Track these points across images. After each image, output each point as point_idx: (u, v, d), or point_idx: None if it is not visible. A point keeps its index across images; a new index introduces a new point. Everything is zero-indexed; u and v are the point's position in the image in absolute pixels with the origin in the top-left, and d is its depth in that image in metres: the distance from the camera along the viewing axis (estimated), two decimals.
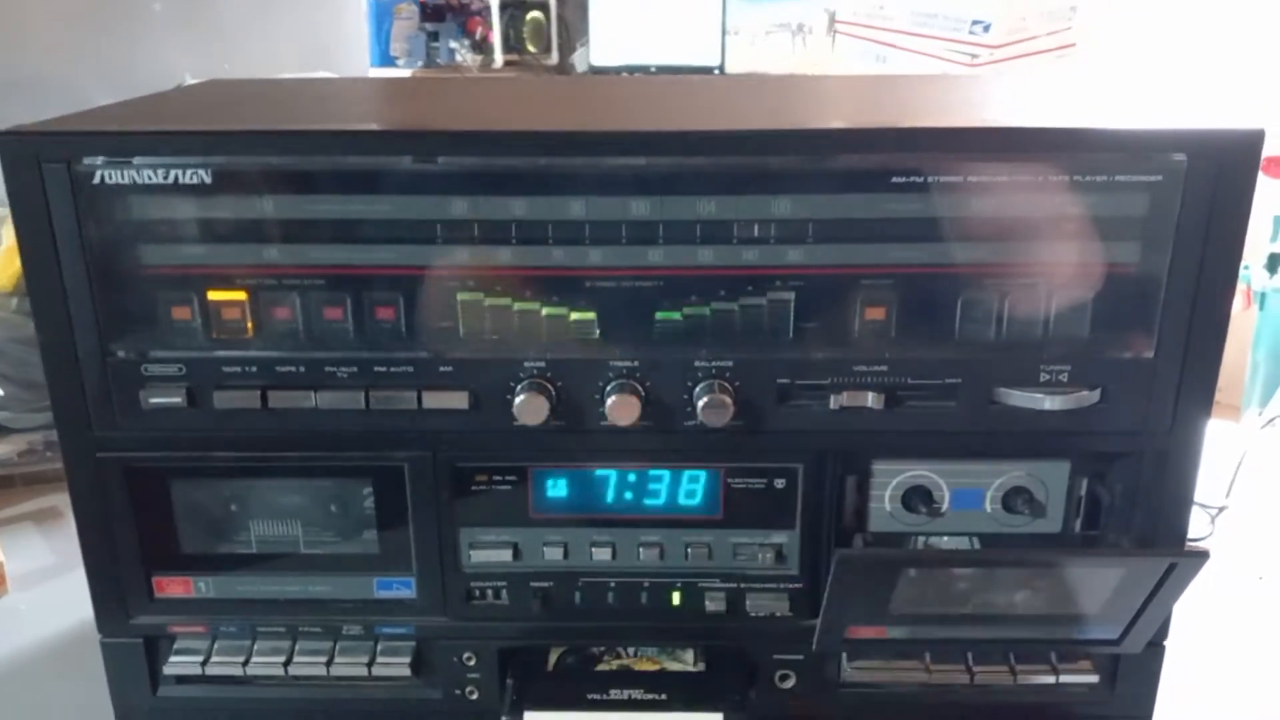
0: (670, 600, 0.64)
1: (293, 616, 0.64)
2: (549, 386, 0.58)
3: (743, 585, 0.63)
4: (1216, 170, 0.54)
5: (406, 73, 3.44)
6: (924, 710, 0.66)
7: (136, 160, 0.55)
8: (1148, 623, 0.59)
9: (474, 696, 0.66)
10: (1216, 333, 0.57)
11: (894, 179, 0.55)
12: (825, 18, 2.75)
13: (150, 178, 0.55)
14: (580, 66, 3.42)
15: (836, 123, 0.59)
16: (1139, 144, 0.54)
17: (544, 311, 0.58)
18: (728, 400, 0.57)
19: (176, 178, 0.55)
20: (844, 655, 0.65)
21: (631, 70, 3.19)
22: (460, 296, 0.57)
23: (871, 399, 0.58)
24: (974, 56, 2.42)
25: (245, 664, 0.64)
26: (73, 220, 0.55)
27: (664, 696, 0.62)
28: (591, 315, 0.58)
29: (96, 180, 0.55)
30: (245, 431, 0.59)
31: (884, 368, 0.58)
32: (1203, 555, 0.55)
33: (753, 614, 0.64)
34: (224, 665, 0.64)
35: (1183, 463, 0.60)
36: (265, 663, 0.64)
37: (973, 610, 0.59)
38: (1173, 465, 0.60)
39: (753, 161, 0.55)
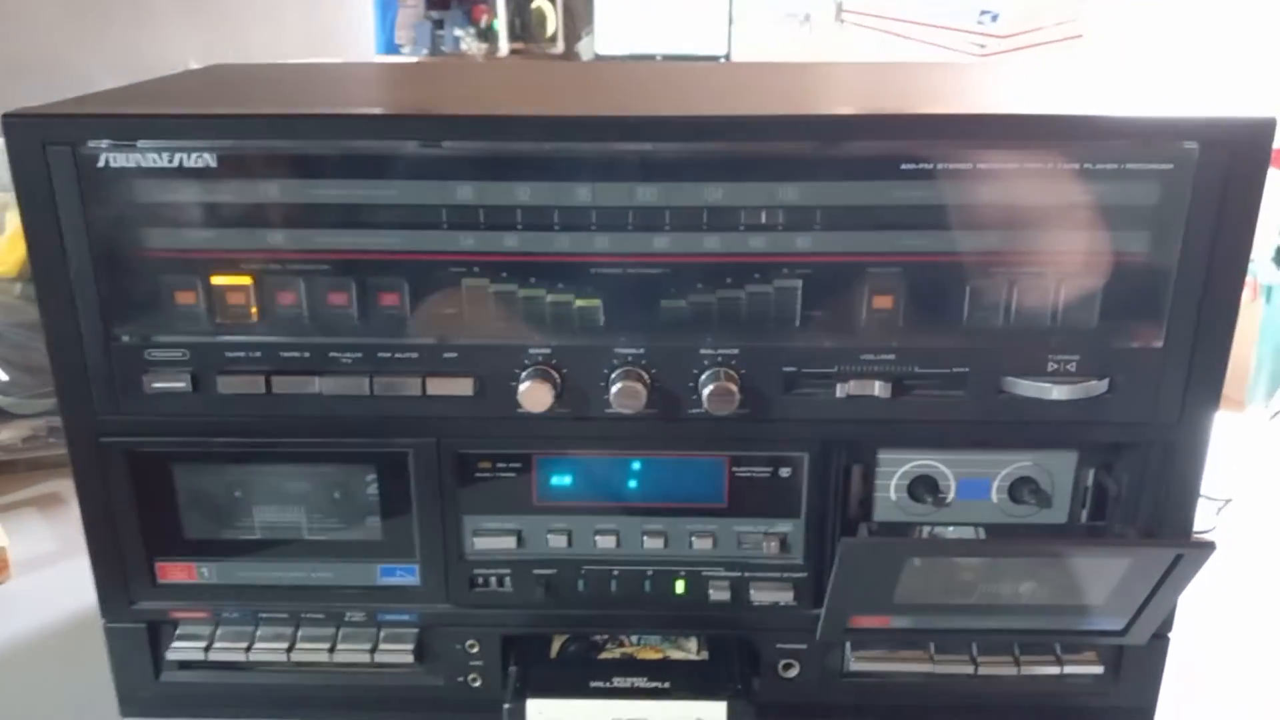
0: (674, 589, 0.64)
1: (296, 603, 0.64)
2: (554, 373, 0.58)
3: (747, 574, 0.63)
4: (1227, 159, 0.53)
5: (411, 60, 3.43)
6: (928, 701, 0.66)
7: (141, 144, 0.54)
8: (1153, 614, 0.59)
9: (476, 684, 0.66)
10: (1226, 323, 0.56)
11: (902, 166, 0.54)
12: (832, 6, 2.74)
13: (155, 161, 0.55)
14: (585, 55, 3.41)
15: (844, 109, 0.59)
16: (1149, 132, 0.54)
17: (549, 298, 0.57)
18: (733, 388, 0.57)
19: (181, 161, 0.55)
20: (848, 645, 0.64)
21: (637, 59, 3.18)
22: (465, 282, 0.57)
23: (878, 388, 0.58)
24: (982, 46, 2.41)
25: (248, 650, 0.64)
26: (77, 203, 0.55)
27: (667, 685, 0.62)
28: (597, 302, 0.57)
29: (101, 163, 0.55)
30: (249, 417, 0.59)
31: (891, 356, 0.58)
32: (1208, 546, 0.55)
33: (757, 603, 0.63)
34: (227, 651, 0.64)
35: (1190, 454, 0.59)
36: (268, 649, 0.64)
37: (977, 600, 0.59)
38: (1180, 456, 0.59)
39: (760, 148, 0.55)
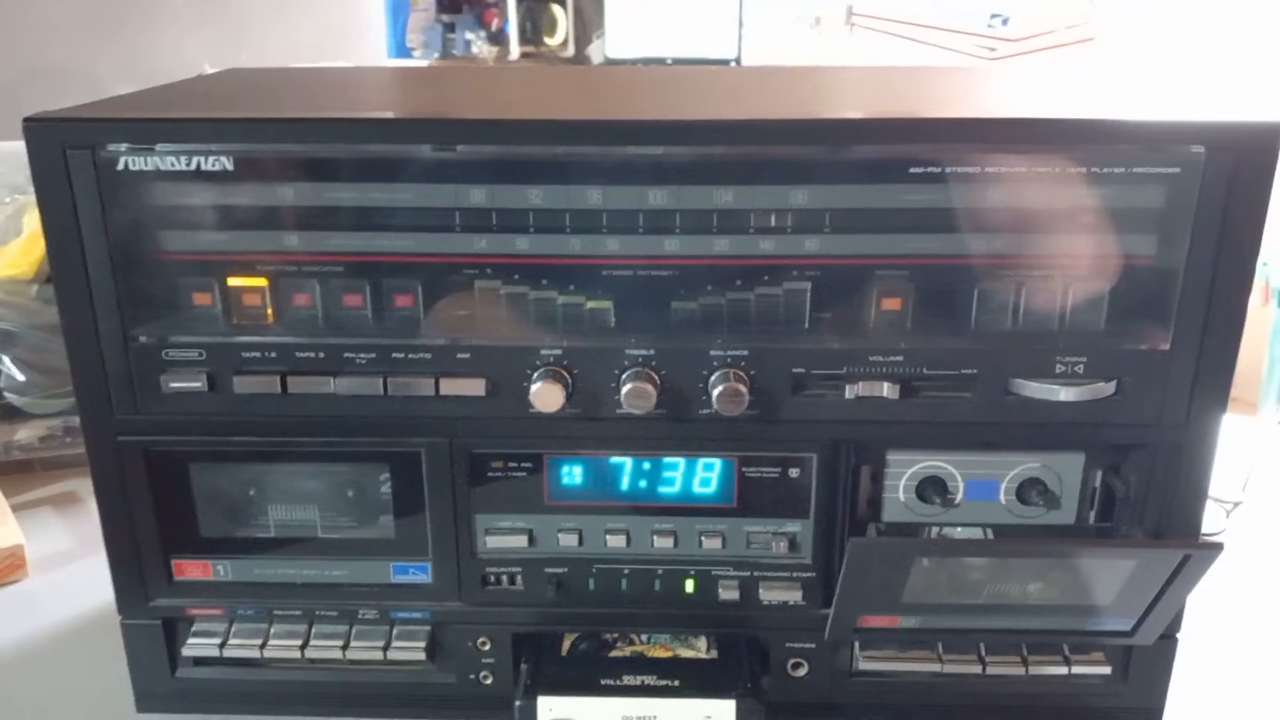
0: (684, 588, 0.64)
1: (309, 600, 0.65)
2: (565, 374, 0.58)
3: (756, 574, 0.64)
4: (1234, 162, 0.54)
5: (423, 64, 3.45)
6: (936, 700, 0.66)
7: (160, 147, 0.55)
8: (1161, 615, 0.59)
9: (488, 681, 0.66)
10: (1233, 326, 0.57)
11: (911, 169, 0.55)
12: (842, 10, 2.74)
13: (173, 164, 0.56)
14: (596, 59, 3.42)
15: (854, 113, 0.59)
16: (1156, 135, 0.54)
17: (560, 300, 0.58)
18: (743, 389, 0.58)
19: (199, 164, 0.56)
20: (856, 645, 0.65)
21: (647, 63, 3.19)
22: (478, 284, 0.58)
23: (887, 389, 0.58)
24: (993, 50, 2.41)
25: (262, 647, 0.64)
26: (96, 206, 0.56)
27: (677, 683, 0.62)
28: (608, 304, 0.58)
29: (120, 166, 0.55)
30: (264, 416, 0.60)
31: (900, 358, 0.58)
32: (1216, 548, 0.55)
33: (766, 602, 0.64)
34: (241, 648, 0.65)
35: (1198, 456, 0.60)
36: (282, 646, 0.64)
37: (985, 601, 0.59)
38: (1187, 458, 0.60)
39: (770, 151, 0.56)
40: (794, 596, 0.64)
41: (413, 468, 0.62)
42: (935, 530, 0.63)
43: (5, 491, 0.94)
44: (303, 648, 0.64)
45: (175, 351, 0.59)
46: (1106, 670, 0.64)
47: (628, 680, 0.62)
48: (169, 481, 0.62)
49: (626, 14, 3.29)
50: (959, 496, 0.62)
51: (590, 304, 0.58)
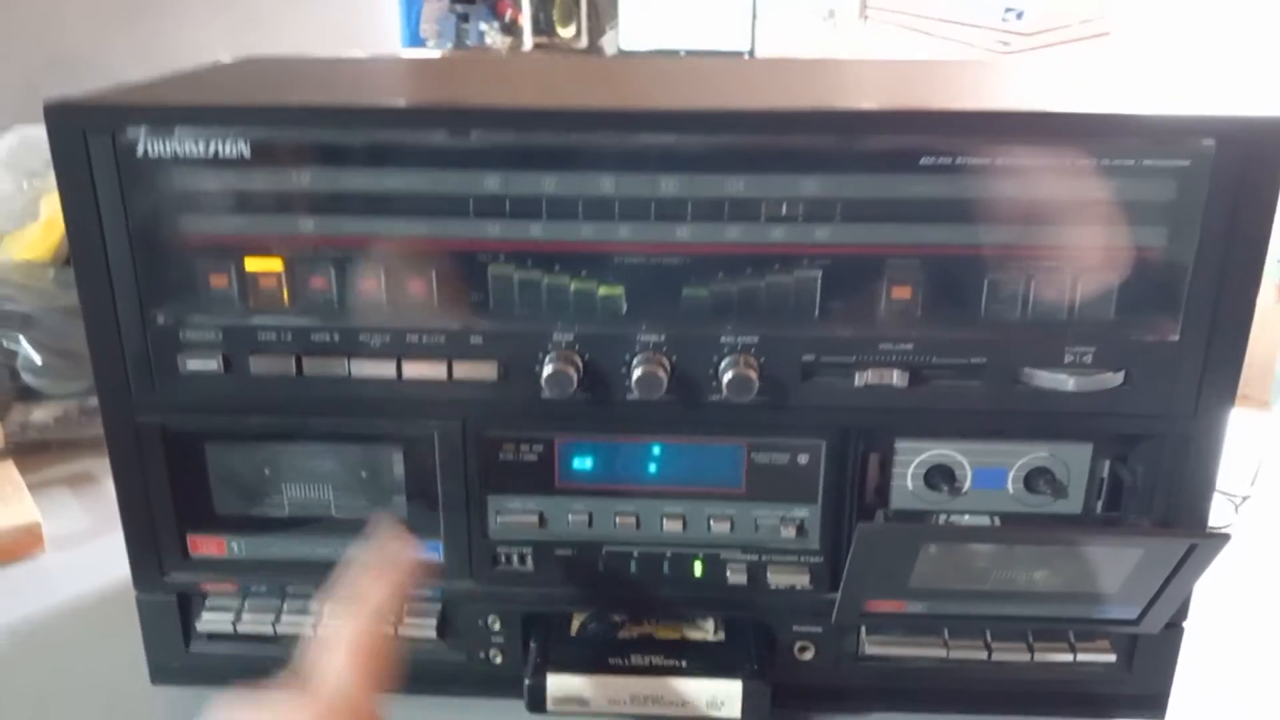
0: (692, 571, 0.65)
1: (321, 578, 0.66)
2: (576, 359, 0.59)
3: (764, 558, 0.64)
4: (1245, 156, 0.54)
5: (436, 54, 3.45)
6: (941, 685, 0.67)
7: (179, 132, 0.56)
8: (1167, 604, 0.60)
9: (497, 660, 0.67)
10: (1241, 318, 0.57)
11: (922, 160, 0.55)
12: (857, 3, 2.73)
13: (192, 149, 0.56)
14: (609, 50, 3.42)
15: (866, 104, 0.60)
16: (1166, 129, 0.54)
17: (573, 286, 0.58)
18: (753, 375, 0.58)
19: (217, 150, 0.56)
20: (863, 629, 0.65)
21: (661, 54, 3.19)
22: (491, 269, 0.58)
23: (896, 377, 0.59)
24: (1007, 44, 2.41)
25: (275, 623, 0.65)
26: (116, 190, 0.57)
27: (684, 664, 0.63)
28: (619, 290, 0.58)
29: (140, 151, 0.56)
30: (279, 397, 0.61)
31: (909, 346, 0.59)
32: (1223, 537, 0.56)
33: (773, 586, 0.64)
34: (254, 624, 0.66)
35: (1205, 448, 0.60)
36: (294, 622, 0.65)
37: (992, 587, 0.60)
38: (1195, 450, 0.60)
39: (782, 141, 0.56)
40: (801, 581, 0.64)
41: (426, 449, 0.63)
42: (943, 518, 0.64)
43: (22, 471, 0.95)
44: (315, 625, 0.65)
45: (192, 333, 0.60)
46: (1112, 658, 0.65)
47: (635, 660, 0.63)
48: (185, 460, 0.63)
49: (640, 5, 3.29)
50: (967, 485, 0.63)
51: (602, 290, 0.58)
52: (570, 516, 0.64)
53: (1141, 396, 0.59)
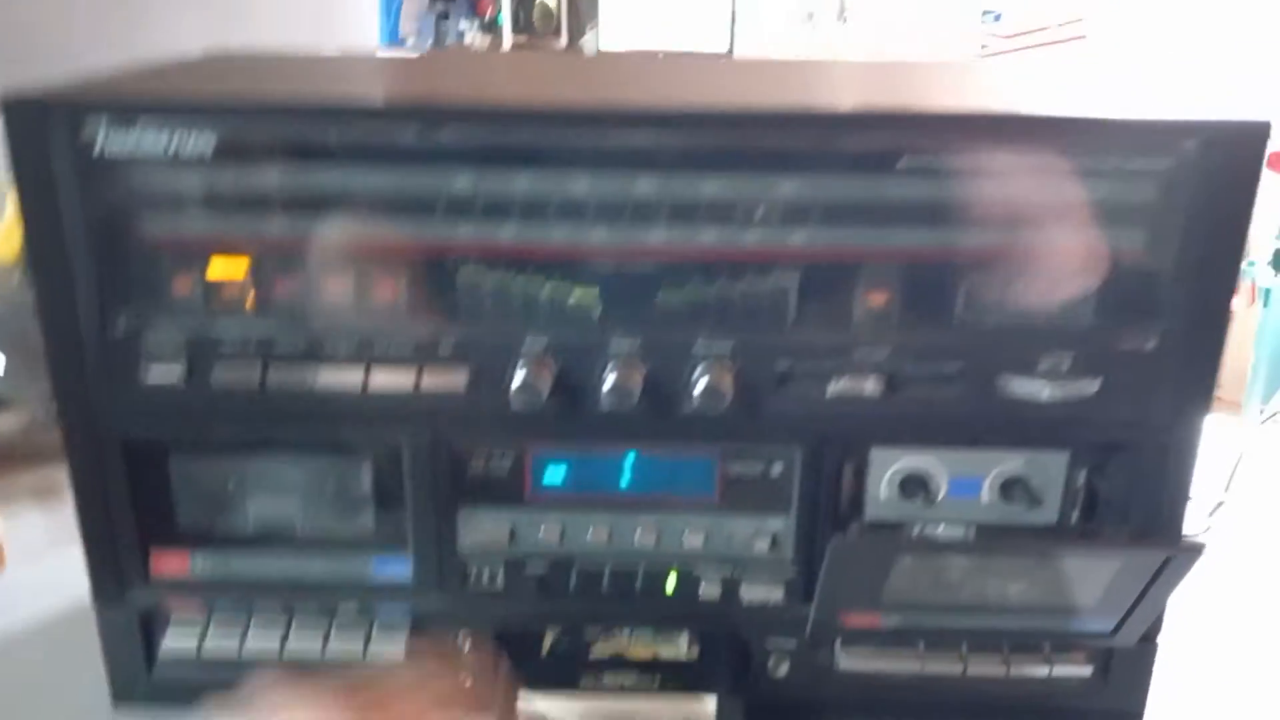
0: (665, 585, 0.64)
1: (288, 596, 0.64)
2: (548, 367, 0.58)
3: (737, 571, 0.63)
4: (1222, 161, 0.53)
5: (415, 53, 3.43)
6: (917, 699, 0.66)
7: (141, 126, 0.54)
8: (1142, 616, 0.59)
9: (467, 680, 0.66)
10: (1218, 326, 0.57)
11: (899, 163, 0.54)
12: (836, 5, 2.73)
13: (153, 145, 0.55)
14: (589, 50, 3.41)
15: (844, 105, 0.59)
16: (1143, 132, 0.54)
17: (545, 290, 0.57)
18: (726, 385, 0.57)
19: (179, 147, 0.55)
20: (838, 643, 0.65)
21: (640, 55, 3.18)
22: (461, 273, 0.57)
23: (871, 384, 0.58)
24: (985, 46, 2.41)
25: (241, 643, 0.64)
26: (75, 187, 0.55)
27: (657, 681, 0.62)
28: (593, 295, 0.57)
29: (99, 146, 0.54)
30: (243, 407, 0.59)
31: (885, 352, 0.58)
32: (1197, 549, 0.55)
33: (747, 600, 0.63)
34: (219, 644, 0.64)
35: (1181, 456, 0.59)
36: (260, 644, 0.64)
37: (967, 600, 0.59)
38: (1171, 458, 0.59)
39: (758, 142, 0.55)
40: (775, 594, 0.63)
41: (393, 461, 0.61)
42: (918, 528, 0.63)
43: None
44: (281, 644, 0.64)
45: (153, 340, 0.58)
46: (1087, 672, 0.64)
47: (608, 680, 0.62)
48: (147, 472, 0.62)
49: (620, 6, 3.29)
50: (942, 494, 0.62)
51: (575, 294, 0.57)
52: (542, 529, 0.63)
53: (1118, 404, 0.58)
